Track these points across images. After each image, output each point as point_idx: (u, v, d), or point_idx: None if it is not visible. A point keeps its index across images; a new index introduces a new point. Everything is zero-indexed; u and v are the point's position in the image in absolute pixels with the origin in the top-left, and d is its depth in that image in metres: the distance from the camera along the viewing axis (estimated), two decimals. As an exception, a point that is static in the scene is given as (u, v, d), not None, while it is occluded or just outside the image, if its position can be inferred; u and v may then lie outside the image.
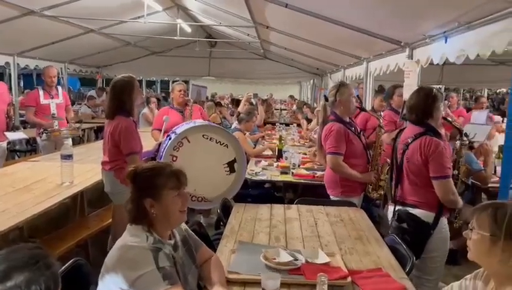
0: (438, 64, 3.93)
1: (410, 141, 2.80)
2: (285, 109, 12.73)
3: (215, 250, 2.32)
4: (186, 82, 13.77)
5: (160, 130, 4.24)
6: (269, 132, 8.08)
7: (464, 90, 14.66)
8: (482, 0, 2.51)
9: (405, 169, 2.86)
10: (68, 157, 3.54)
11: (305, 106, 9.42)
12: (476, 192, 4.57)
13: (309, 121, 8.33)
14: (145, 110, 8.13)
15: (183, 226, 1.98)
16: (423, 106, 2.82)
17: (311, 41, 6.39)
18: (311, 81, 12.77)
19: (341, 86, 3.64)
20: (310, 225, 2.87)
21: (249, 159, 5.15)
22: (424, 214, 2.77)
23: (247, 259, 2.20)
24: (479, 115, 5.36)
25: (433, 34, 3.58)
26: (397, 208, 2.92)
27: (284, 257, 2.17)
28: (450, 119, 3.03)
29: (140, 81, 14.72)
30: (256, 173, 4.40)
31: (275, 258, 2.16)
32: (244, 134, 5.67)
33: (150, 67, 11.93)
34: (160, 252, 1.68)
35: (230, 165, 3.51)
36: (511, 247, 1.50)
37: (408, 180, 2.85)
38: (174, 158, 3.37)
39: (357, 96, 7.20)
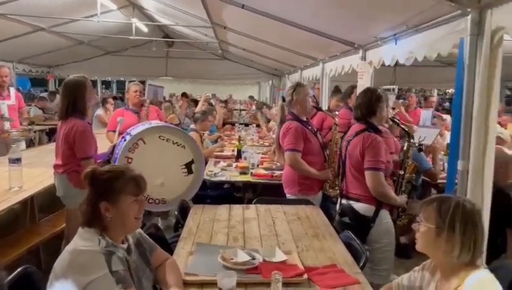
0: (389, 65, 4.07)
1: (352, 138, 2.95)
2: (244, 110, 12.75)
3: (173, 253, 2.30)
4: (143, 82, 13.50)
5: (115, 132, 4.14)
6: (228, 133, 8.07)
7: (415, 91, 15.24)
8: (427, 5, 2.63)
9: (347, 164, 3.00)
10: (16, 161, 3.38)
11: (264, 107, 9.49)
12: (427, 188, 4.78)
13: (268, 121, 8.40)
14: (100, 111, 7.90)
15: (137, 229, 1.95)
16: (368, 105, 2.98)
17: (269, 42, 6.44)
18: (270, 81, 12.87)
19: (297, 86, 3.73)
20: (268, 224, 2.90)
21: (207, 160, 5.13)
22: (364, 208, 2.92)
23: (204, 260, 2.19)
24: (427, 114, 5.62)
25: (384, 36, 3.71)
26: (342, 202, 3.04)
27: (242, 256, 2.18)
28: (397, 120, 3.16)
29: (94, 82, 14.30)
30: (215, 173, 4.39)
31: (232, 259, 2.17)
32: (202, 134, 5.62)
33: (105, 67, 11.61)
34: (113, 256, 1.64)
35: (188, 166, 3.48)
36: (454, 238, 1.58)
37: (351, 175, 3.01)
38: (130, 160, 3.29)
39: (313, 96, 7.35)
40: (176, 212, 3.02)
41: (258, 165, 4.74)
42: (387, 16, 3.40)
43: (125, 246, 1.79)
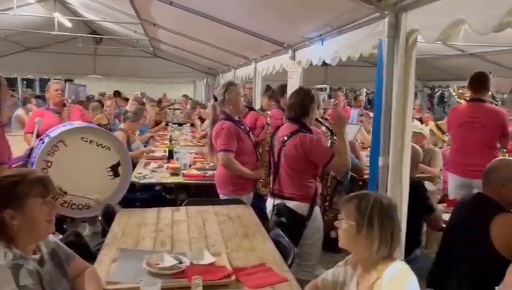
0: (320, 64, 4.16)
1: (286, 139, 2.97)
2: (179, 109, 12.52)
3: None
4: (71, 80, 12.77)
5: (33, 134, 3.85)
6: (161, 133, 7.87)
7: (346, 90, 15.86)
8: (348, 7, 2.71)
9: (282, 164, 3.02)
10: None
11: (198, 106, 9.37)
12: (355, 183, 4.97)
13: (203, 120, 8.30)
14: (20, 111, 7.36)
15: (52, 238, 1.81)
16: (301, 105, 3.02)
17: (201, 40, 6.36)
18: (205, 80, 12.76)
19: (230, 85, 3.70)
20: (198, 226, 2.84)
21: (137, 161, 4.95)
22: (299, 206, 2.97)
23: (128, 267, 2.09)
24: (354, 112, 5.85)
25: (311, 36, 3.79)
26: (276, 202, 3.06)
27: (168, 261, 2.12)
28: (321, 120, 3.24)
29: (14, 80, 13.29)
30: (144, 175, 4.24)
31: (158, 264, 2.09)
32: (129, 134, 5.40)
33: (25, 64, 10.79)
34: (21, 269, 1.51)
35: (114, 168, 3.33)
36: (373, 234, 1.64)
37: (286, 175, 3.03)
38: (49, 164, 3.08)
39: (245, 95, 7.36)
40: (100, 218, 2.87)
41: (190, 166, 4.65)
42: (313, 17, 3.48)
43: (37, 257, 1.66)
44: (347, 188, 4.95)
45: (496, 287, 1.01)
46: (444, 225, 2.84)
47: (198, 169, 4.52)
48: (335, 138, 3.36)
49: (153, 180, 4.25)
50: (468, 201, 2.52)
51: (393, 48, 2.46)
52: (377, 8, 2.48)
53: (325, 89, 13.86)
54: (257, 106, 6.02)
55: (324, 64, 3.91)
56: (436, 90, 15.30)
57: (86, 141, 3.21)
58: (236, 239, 2.61)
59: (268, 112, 5.11)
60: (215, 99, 3.70)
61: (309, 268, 3.02)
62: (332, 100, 8.89)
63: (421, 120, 7.54)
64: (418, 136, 4.82)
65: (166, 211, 3.12)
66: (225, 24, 4.60)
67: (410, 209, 2.77)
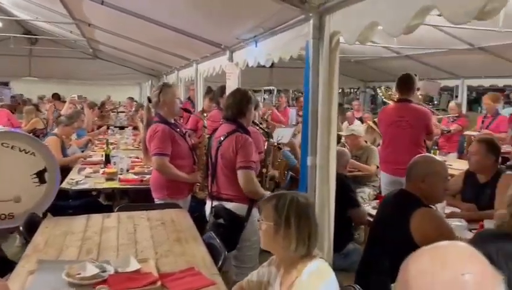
0: (264, 66, 4.15)
1: (223, 139, 2.96)
2: (123, 112, 12.16)
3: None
4: (6, 84, 12.06)
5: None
6: (102, 136, 7.59)
7: (292, 91, 16.11)
8: (276, 9, 2.74)
9: (219, 165, 3.00)
10: None
11: (141, 108, 9.14)
12: (294, 182, 5.06)
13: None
14: None
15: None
16: (238, 106, 3.02)
17: (139, 41, 6.21)
18: (150, 82, 12.49)
19: (164, 86, 3.63)
20: (128, 232, 2.76)
21: (71, 167, 4.75)
22: (238, 207, 2.95)
23: (47, 279, 1.99)
24: (293, 113, 5.96)
25: (246, 38, 3.81)
26: (214, 203, 3.04)
27: (90, 270, 2.03)
28: (256, 122, 3.26)
29: None
30: (77, 181, 4.07)
31: (79, 273, 2.00)
32: (63, 139, 5.16)
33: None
34: None
35: (40, 175, 3.16)
36: (290, 233, 1.66)
37: (223, 176, 3.01)
38: (-35, 172, 2.88)
39: (189, 98, 7.28)
40: (21, 228, 2.71)
41: (128, 170, 4.52)
42: (246, 19, 3.49)
43: None
44: (287, 188, 5.04)
45: (392, 285, 1.03)
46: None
47: (136, 173, 4.40)
48: (271, 140, 3.40)
49: (87, 186, 4.09)
50: (391, 197, 2.63)
51: (318, 49, 2.51)
52: (301, 10, 2.53)
53: (272, 90, 14.02)
54: (199, 108, 5.97)
55: (271, 65, 3.95)
56: (379, 91, 15.93)
57: (7, 147, 3.02)
58: (167, 244, 2.56)
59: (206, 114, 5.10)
60: (149, 101, 3.61)
61: (249, 271, 3.00)
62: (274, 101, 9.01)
63: (361, 119, 7.82)
64: (350, 138, 4.99)
65: (96, 218, 3.00)
66: (160, 25, 4.52)
67: (340, 205, 2.85)
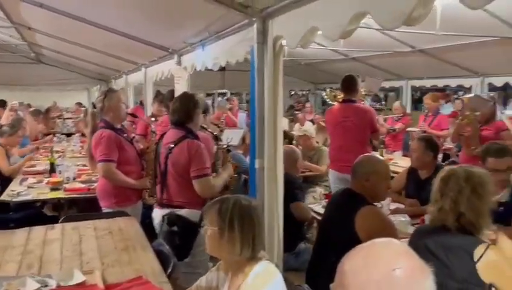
0: (211, 69, 4.14)
1: (173, 145, 2.91)
2: (70, 118, 11.70)
3: None
4: None
5: None
6: (48, 145, 7.26)
7: (246, 94, 16.17)
8: (221, 13, 2.75)
9: (170, 172, 2.95)
10: None
11: (85, 115, 8.83)
12: (246, 185, 5.08)
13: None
14: None
15: None
16: (185, 110, 2.98)
17: (86, 46, 6.02)
18: (98, 86, 12.11)
19: (109, 92, 3.55)
20: (73, 243, 2.65)
21: (13, 177, 4.52)
22: (190, 214, 2.91)
23: (-18, 298, 1.88)
24: (243, 115, 6.00)
25: (193, 42, 3.79)
26: (166, 211, 2.98)
27: (31, 285, 1.95)
28: (205, 126, 3.24)
29: None
30: (18, 193, 3.87)
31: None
32: (8, 149, 4.92)
33: None
34: None
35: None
36: (234, 237, 1.66)
37: (174, 183, 2.95)
38: None
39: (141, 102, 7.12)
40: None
41: (74, 179, 4.36)
42: (193, 22, 3.48)
43: None
44: (241, 191, 5.05)
45: (331, 285, 1.06)
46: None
47: (82, 182, 4.25)
48: (220, 143, 3.39)
49: (29, 197, 3.90)
50: (337, 197, 2.71)
51: (262, 54, 2.55)
52: (245, 14, 2.55)
53: (225, 93, 14.01)
54: (148, 112, 5.87)
55: (222, 68, 3.94)
56: (323, 93, 16.30)
57: None
58: (114, 254, 2.49)
59: (159, 118, 5.02)
60: (94, 107, 3.51)
61: (199, 276, 2.99)
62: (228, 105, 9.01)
63: (313, 121, 7.97)
64: (303, 138, 5.09)
65: (39, 231, 2.86)
66: (107, 29, 4.41)
67: (296, 196, 2.90)
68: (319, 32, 2.09)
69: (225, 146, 3.30)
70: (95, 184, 4.05)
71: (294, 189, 3.03)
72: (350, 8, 1.79)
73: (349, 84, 4.34)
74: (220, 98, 10.69)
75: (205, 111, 3.91)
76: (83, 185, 4.14)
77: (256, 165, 2.61)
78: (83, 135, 8.37)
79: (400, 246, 1.07)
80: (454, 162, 4.81)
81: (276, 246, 2.55)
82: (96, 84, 11.89)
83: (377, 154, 5.61)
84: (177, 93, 4.50)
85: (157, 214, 3.07)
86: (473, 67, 6.08)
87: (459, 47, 5.10)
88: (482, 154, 3.01)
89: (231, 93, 14.50)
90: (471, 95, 4.65)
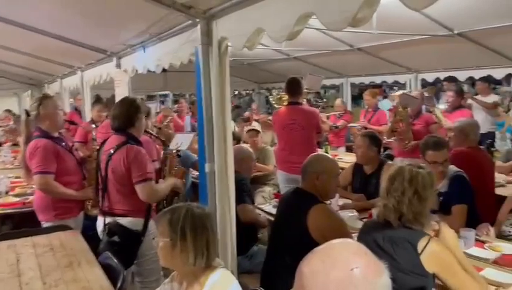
0: (154, 71, 3.98)
1: (113, 151, 2.78)
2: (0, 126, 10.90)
3: None
4: None
5: None
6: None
7: (191, 95, 15.93)
8: (162, 14, 2.66)
9: (110, 180, 2.82)
10: None
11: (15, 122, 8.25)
12: (197, 189, 4.98)
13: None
14: None
15: None
16: (126, 116, 2.86)
17: (12, 49, 5.60)
18: (29, 92, 11.37)
19: (44, 98, 3.32)
20: (9, 263, 2.46)
21: None
22: (133, 222, 2.81)
23: None
24: (188, 119, 5.90)
25: (134, 43, 3.65)
26: (107, 220, 2.84)
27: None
28: (150, 131, 3.14)
29: None
30: None
31: None
32: None
33: None
34: None
35: None
36: (187, 248, 1.60)
37: (115, 190, 2.83)
38: None
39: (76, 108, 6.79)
40: None
41: (7, 192, 4.05)
42: (132, 24, 3.34)
43: None
44: (191, 195, 4.95)
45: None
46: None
47: (17, 195, 3.96)
48: (168, 147, 3.29)
49: (-44, 216, 3.56)
50: (288, 196, 2.72)
51: (208, 55, 2.50)
52: (188, 15, 2.48)
53: (168, 95, 13.72)
54: (87, 118, 5.59)
55: (163, 70, 3.80)
56: (273, 91, 16.52)
57: None
58: (57, 272, 2.33)
59: (99, 123, 4.80)
60: (28, 114, 3.27)
61: (153, 283, 2.88)
62: (176, 106, 8.82)
63: (256, 120, 7.99)
64: (253, 132, 5.13)
65: (-32, 252, 2.63)
66: (34, 30, 4.12)
67: (241, 198, 2.87)
68: (265, 33, 2.07)
69: (174, 151, 3.21)
70: (31, 197, 3.79)
71: (241, 191, 3.00)
72: (296, 9, 1.79)
73: (294, 87, 4.42)
74: (163, 105, 10.43)
75: (147, 115, 3.80)
76: (17, 199, 3.86)
77: (207, 170, 2.55)
78: (14, 144, 7.83)
79: (356, 245, 1.09)
80: (390, 156, 5.04)
81: (230, 250, 2.51)
82: (27, 89, 11.14)
83: (321, 151, 5.77)
84: (117, 97, 4.32)
85: (100, 222, 2.94)
86: (407, 64, 6.39)
87: (394, 45, 5.33)
88: (421, 148, 3.14)
89: (174, 95, 14.24)
90: (400, 92, 4.89)
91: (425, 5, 1.31)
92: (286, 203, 2.66)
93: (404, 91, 4.96)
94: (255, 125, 7.85)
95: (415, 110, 4.89)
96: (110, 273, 2.32)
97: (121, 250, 2.66)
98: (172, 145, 3.66)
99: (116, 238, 2.80)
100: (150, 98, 12.45)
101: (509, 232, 2.70)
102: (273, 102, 4.94)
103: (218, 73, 2.44)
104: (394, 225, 1.95)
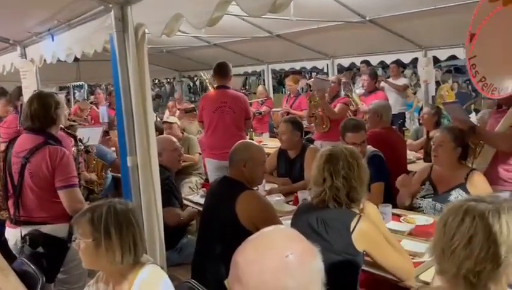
0: (65, 61, 3.67)
1: (30, 154, 2.52)
2: None
3: None
4: None
5: None
6: None
7: (107, 85, 15.10)
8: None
9: (27, 185, 2.56)
10: None
11: None
12: (119, 183, 4.76)
13: None
14: None
15: None
16: (46, 114, 2.61)
17: None
18: None
19: None
20: None
21: None
22: (57, 229, 2.57)
23: None
24: (103, 110, 5.63)
25: (40, 31, 3.35)
26: (26, 230, 2.58)
27: None
28: (63, 127, 2.92)
29: None
30: None
31: None
32: None
33: None
34: None
35: None
36: (113, 246, 1.53)
37: (33, 196, 2.57)
38: None
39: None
40: None
41: None
42: (37, 9, 3.06)
43: None
44: (112, 191, 4.73)
45: (225, 281, 1.03)
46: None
47: None
48: (80, 144, 3.11)
49: None
50: (216, 185, 2.70)
51: (124, 43, 2.36)
52: (99, 1, 2.33)
53: (82, 85, 12.92)
54: (-9, 114, 5.07)
55: (76, 59, 3.52)
56: (195, 79, 16.29)
57: None
58: (-37, 286, 2.11)
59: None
60: None
61: (81, 289, 2.71)
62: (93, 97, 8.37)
63: (179, 109, 7.83)
64: (174, 126, 5.00)
65: None
66: None
67: (168, 201, 2.80)
68: (184, 19, 2.01)
69: (82, 147, 3.02)
70: None
71: (167, 193, 2.90)
72: (215, -5, 1.75)
73: (223, 71, 4.40)
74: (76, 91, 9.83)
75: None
76: None
77: (129, 164, 2.43)
78: None
79: (289, 231, 1.11)
80: (310, 139, 5.22)
81: (158, 245, 2.44)
82: None
83: (247, 138, 5.81)
84: (25, 90, 3.99)
85: (13, 233, 2.65)
86: (324, 50, 6.62)
87: (311, 31, 5.50)
88: (341, 131, 3.29)
89: (89, 86, 13.44)
90: (312, 78, 5.09)
91: None
92: (214, 192, 2.64)
93: (317, 76, 5.16)
94: (171, 118, 7.71)
95: (331, 94, 5.09)
96: (28, 281, 2.14)
97: (47, 261, 2.46)
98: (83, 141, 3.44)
99: (40, 249, 2.55)
100: (63, 89, 11.65)
101: (419, 204, 2.91)
102: (205, 79, 4.90)
103: (137, 61, 2.32)
104: (331, 207, 1.97)
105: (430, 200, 2.86)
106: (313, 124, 5.31)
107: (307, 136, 5.58)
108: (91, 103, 8.07)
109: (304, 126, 6.18)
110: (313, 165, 2.06)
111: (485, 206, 1.16)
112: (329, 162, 1.99)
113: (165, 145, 3.19)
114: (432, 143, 3.95)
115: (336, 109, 4.96)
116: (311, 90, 5.05)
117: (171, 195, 3.02)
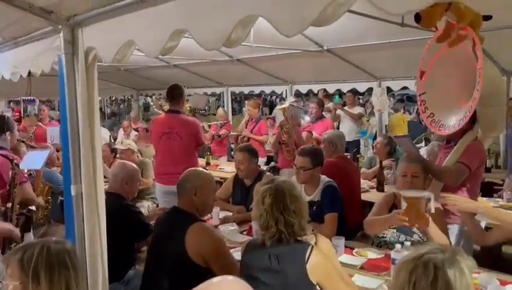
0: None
1: None
2: None
3: None
4: None
5: None
6: None
7: (59, 101, 14.58)
8: (17, 16, 2.33)
9: None
10: None
11: None
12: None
13: None
14: None
15: None
16: None
17: None
18: None
19: None
20: None
21: None
22: None
23: None
24: (53, 130, 5.40)
25: (-16, 47, 3.15)
26: None
27: None
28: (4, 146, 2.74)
29: None
30: None
31: None
32: None
33: None
34: None
35: None
36: None
37: None
38: None
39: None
40: None
41: None
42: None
43: None
44: (58, 216, 4.46)
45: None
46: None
47: None
48: (18, 169, 2.93)
49: None
50: (165, 216, 2.60)
51: (73, 65, 2.25)
52: (48, 21, 2.21)
53: (34, 101, 12.36)
54: None
55: (28, 74, 3.33)
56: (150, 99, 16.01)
57: None
58: None
59: None
60: None
61: None
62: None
63: (138, 130, 7.65)
64: (127, 152, 4.82)
65: None
66: None
67: (127, 234, 2.68)
68: (136, 47, 1.94)
69: (26, 173, 2.85)
70: None
71: (137, 225, 2.83)
72: (169, 25, 1.70)
73: (175, 95, 4.25)
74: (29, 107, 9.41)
75: (12, 130, 3.35)
76: None
77: (73, 192, 2.28)
78: None
79: (237, 284, 1.07)
80: (276, 168, 5.18)
81: (101, 279, 2.29)
82: None
83: (203, 161, 5.72)
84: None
85: None
86: (283, 76, 6.72)
87: (271, 58, 5.59)
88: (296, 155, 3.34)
89: (41, 101, 12.86)
90: (286, 104, 5.10)
91: (295, 33, 1.34)
92: (163, 224, 2.53)
93: (290, 102, 5.19)
94: (133, 135, 7.50)
95: (298, 121, 5.15)
96: None
97: None
98: (23, 165, 3.24)
99: None
100: (12, 102, 11.11)
101: (383, 234, 2.80)
102: (152, 105, 4.76)
103: (86, 86, 2.21)
104: (283, 241, 1.94)
105: (395, 231, 2.76)
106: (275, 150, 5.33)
107: (272, 164, 5.51)
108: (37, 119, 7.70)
109: (267, 149, 6.21)
110: (257, 207, 2.01)
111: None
112: (277, 201, 1.96)
113: (127, 174, 3.08)
114: (385, 173, 4.04)
115: (304, 137, 5.02)
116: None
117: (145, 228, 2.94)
